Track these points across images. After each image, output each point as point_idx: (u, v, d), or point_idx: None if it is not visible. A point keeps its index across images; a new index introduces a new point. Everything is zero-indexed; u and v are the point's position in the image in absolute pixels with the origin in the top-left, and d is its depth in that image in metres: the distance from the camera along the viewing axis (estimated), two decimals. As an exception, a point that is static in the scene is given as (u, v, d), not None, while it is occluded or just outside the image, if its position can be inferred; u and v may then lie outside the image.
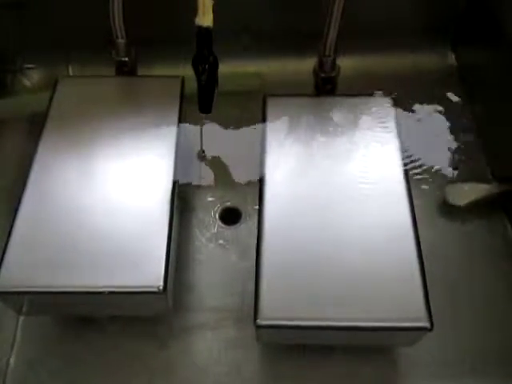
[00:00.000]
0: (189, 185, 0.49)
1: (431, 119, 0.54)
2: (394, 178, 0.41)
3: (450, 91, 0.57)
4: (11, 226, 0.38)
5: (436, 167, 0.51)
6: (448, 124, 0.54)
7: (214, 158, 0.51)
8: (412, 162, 0.50)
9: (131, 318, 0.43)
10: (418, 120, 0.54)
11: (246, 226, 0.48)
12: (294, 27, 0.55)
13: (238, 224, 0.48)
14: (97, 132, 0.44)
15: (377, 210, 0.39)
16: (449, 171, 0.51)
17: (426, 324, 0.34)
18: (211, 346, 0.42)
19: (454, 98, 0.56)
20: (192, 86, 0.41)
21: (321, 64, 0.48)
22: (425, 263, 0.37)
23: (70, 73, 0.59)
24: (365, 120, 0.45)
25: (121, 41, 0.47)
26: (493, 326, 0.43)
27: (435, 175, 0.50)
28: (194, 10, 0.38)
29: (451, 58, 0.60)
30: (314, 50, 0.47)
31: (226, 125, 0.53)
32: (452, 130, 0.53)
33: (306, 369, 0.41)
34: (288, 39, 0.56)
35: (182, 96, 0.46)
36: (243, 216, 0.49)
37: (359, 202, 0.40)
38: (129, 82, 0.49)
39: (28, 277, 0.36)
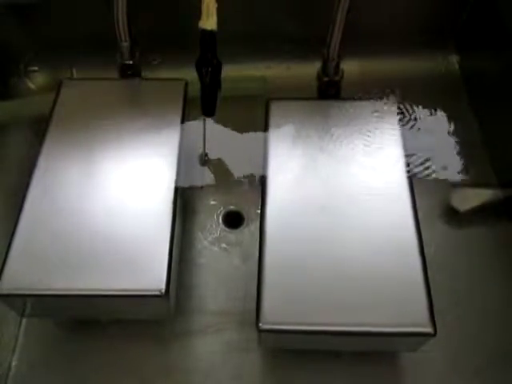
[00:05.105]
0: (192, 188, 0.49)
1: (435, 123, 0.54)
2: (397, 183, 0.41)
3: (454, 95, 0.57)
4: (14, 229, 0.38)
5: (440, 172, 0.50)
6: (452, 128, 0.53)
7: (217, 161, 0.51)
8: (416, 166, 0.50)
9: (133, 321, 0.43)
10: (422, 124, 0.53)
11: (249, 230, 0.48)
12: (298, 31, 0.55)
13: (241, 227, 0.48)
14: (100, 135, 0.44)
15: (380, 215, 0.39)
16: (453, 176, 0.50)
17: (430, 330, 0.34)
18: (213, 350, 0.42)
19: (459, 102, 0.56)
20: (195, 89, 0.41)
21: (325, 68, 0.48)
22: (428, 268, 0.37)
23: (74, 75, 0.59)
24: (368, 124, 0.44)
25: (125, 44, 0.47)
26: (496, 331, 0.43)
27: (439, 180, 0.50)
28: (198, 13, 0.38)
29: (455, 62, 0.59)
30: (318, 53, 0.47)
31: (229, 128, 0.53)
32: (456, 135, 0.53)
33: (307, 374, 0.41)
34: (292, 43, 0.56)
35: (186, 99, 0.46)
36: (246, 220, 0.49)
37: (362, 206, 0.40)
38: (132, 85, 0.49)
39: (30, 279, 0.36)
